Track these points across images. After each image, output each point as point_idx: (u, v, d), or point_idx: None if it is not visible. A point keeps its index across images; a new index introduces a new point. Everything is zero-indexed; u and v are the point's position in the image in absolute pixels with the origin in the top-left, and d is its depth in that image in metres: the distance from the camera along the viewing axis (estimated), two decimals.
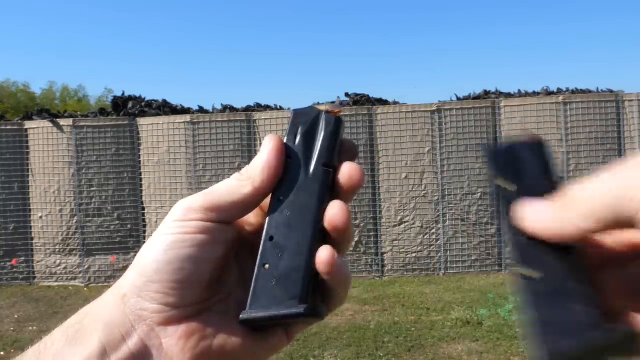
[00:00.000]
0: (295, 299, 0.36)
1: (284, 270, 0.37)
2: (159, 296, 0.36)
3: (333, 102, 0.42)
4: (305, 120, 0.40)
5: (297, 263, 0.37)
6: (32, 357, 0.35)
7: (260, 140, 7.43)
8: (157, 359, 0.35)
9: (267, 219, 0.38)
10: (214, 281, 0.38)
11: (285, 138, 0.40)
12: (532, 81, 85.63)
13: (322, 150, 0.39)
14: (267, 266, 0.37)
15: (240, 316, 0.37)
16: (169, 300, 0.36)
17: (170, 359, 0.35)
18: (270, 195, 0.39)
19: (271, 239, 0.38)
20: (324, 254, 0.36)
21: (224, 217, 0.38)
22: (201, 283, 0.37)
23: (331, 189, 0.39)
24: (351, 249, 7.35)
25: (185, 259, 0.36)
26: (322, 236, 0.38)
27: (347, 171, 0.38)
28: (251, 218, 0.41)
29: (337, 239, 0.38)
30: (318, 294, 0.38)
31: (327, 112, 0.40)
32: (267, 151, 0.38)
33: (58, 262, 7.56)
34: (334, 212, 0.36)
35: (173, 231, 0.37)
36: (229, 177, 0.40)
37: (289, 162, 0.39)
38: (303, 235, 0.37)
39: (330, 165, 0.39)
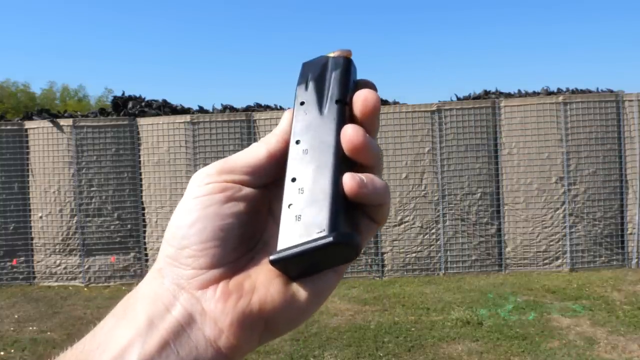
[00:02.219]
0: (323, 230, 0.34)
1: (307, 205, 0.35)
2: (190, 260, 0.36)
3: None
4: (315, 67, 0.40)
5: (320, 194, 0.35)
6: (88, 337, 0.36)
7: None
8: (201, 323, 0.35)
9: (288, 163, 0.37)
10: (246, 237, 0.38)
11: (296, 86, 0.40)
12: (532, 81, 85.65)
13: (334, 89, 0.38)
14: (291, 206, 0.36)
15: (269, 258, 0.35)
16: (200, 261, 0.36)
17: (214, 321, 0.35)
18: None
19: (293, 180, 0.37)
20: (347, 178, 0.35)
21: (239, 179, 0.38)
22: (228, 240, 0.37)
23: (348, 122, 0.38)
24: None
25: (206, 218, 0.36)
26: (347, 166, 0.36)
27: (361, 95, 0.38)
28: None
29: (361, 162, 0.37)
30: (355, 221, 0.37)
31: (335, 56, 0.40)
32: (282, 120, 0.41)
33: (58, 262, 7.56)
34: (347, 132, 0.36)
35: (192, 196, 0.38)
36: None
37: (302, 107, 0.39)
38: (324, 167, 0.36)
39: (343, 100, 0.38)
